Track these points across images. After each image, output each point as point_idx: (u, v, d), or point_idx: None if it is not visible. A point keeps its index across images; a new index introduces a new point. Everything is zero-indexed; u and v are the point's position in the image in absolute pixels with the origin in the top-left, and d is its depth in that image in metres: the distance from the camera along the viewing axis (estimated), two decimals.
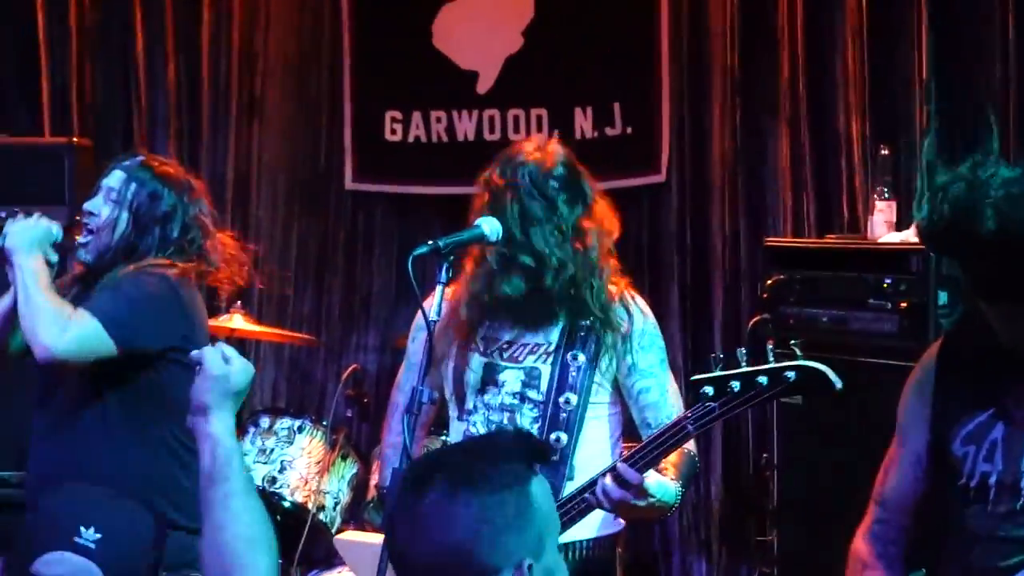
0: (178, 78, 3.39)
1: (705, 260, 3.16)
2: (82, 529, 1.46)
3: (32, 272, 2.16)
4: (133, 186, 2.23)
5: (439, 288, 1.91)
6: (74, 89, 3.34)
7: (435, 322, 1.94)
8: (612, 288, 2.11)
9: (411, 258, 1.92)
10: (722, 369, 1.85)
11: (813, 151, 2.97)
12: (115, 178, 2.24)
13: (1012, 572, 1.66)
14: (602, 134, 3.19)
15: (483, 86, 3.26)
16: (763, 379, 1.80)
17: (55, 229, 2.20)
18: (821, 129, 2.96)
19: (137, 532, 1.58)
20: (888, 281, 2.50)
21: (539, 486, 1.16)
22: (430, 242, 1.94)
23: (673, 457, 2.02)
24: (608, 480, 1.89)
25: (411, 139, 3.33)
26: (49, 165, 3.18)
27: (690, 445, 2.08)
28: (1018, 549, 1.67)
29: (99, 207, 2.21)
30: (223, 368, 1.31)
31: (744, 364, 1.82)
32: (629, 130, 3.17)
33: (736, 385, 1.81)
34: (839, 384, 1.80)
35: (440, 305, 1.92)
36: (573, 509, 1.98)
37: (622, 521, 2.22)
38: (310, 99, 3.46)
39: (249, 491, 1.28)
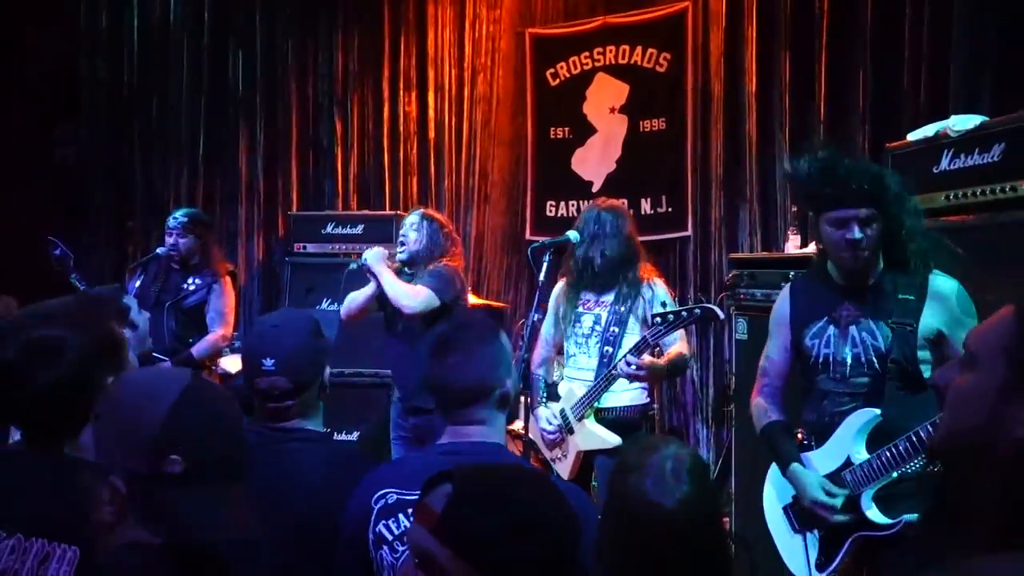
0: None
1: None
2: None
3: (388, 274, 3.44)
4: (424, 224, 3.60)
5: (544, 265, 3.01)
6: None
7: (544, 282, 3.03)
8: (642, 274, 3.17)
9: (530, 250, 3.12)
10: (667, 307, 2.95)
11: None
12: (412, 218, 3.63)
13: (847, 413, 2.22)
14: None
15: None
16: (684, 313, 2.89)
17: (387, 251, 3.53)
18: None
19: None
20: None
21: (505, 338, 1.65)
22: (539, 241, 3.14)
23: (672, 352, 3.12)
24: (622, 364, 2.97)
25: None
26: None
27: (684, 350, 3.17)
28: (850, 399, 2.24)
29: (408, 233, 3.58)
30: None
31: (679, 306, 3.02)
32: None
33: (671, 316, 2.90)
34: (721, 315, 2.94)
35: (546, 273, 2.99)
36: (609, 378, 3.03)
37: (646, 399, 3.21)
38: None
39: None
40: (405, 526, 1.49)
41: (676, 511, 1.27)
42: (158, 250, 4.36)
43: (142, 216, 6.06)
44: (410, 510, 1.43)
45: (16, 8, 5.08)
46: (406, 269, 3.63)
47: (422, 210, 3.72)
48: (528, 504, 1.05)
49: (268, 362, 1.73)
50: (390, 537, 1.52)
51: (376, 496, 1.56)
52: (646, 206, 5.48)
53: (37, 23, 5.18)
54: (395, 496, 1.54)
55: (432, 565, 1.02)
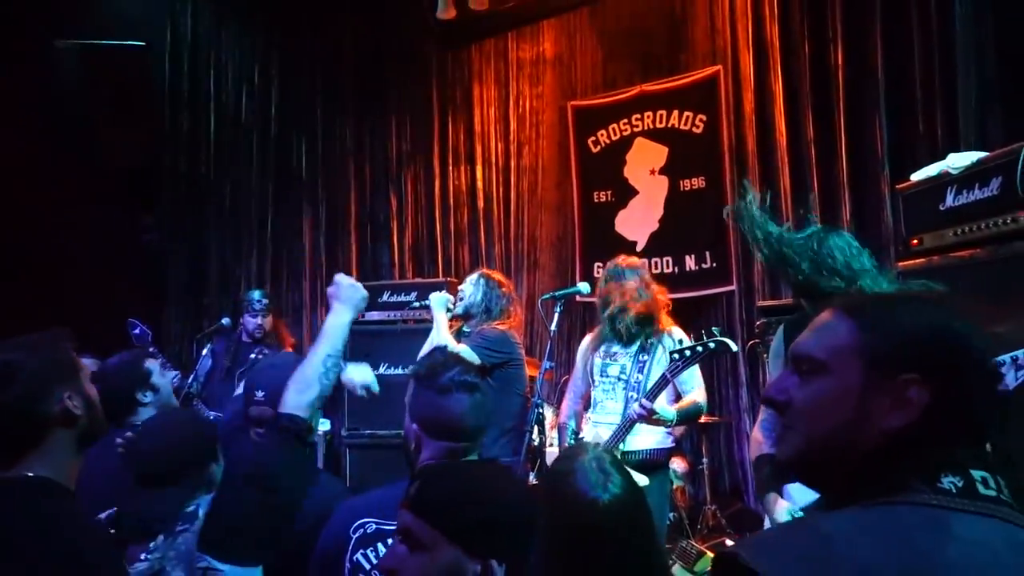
0: None
1: None
2: None
3: (442, 323, 3.57)
4: (481, 282, 3.69)
5: (556, 316, 3.22)
6: None
7: (556, 332, 3.21)
8: (662, 326, 3.29)
9: (540, 301, 3.55)
10: (683, 344, 3.04)
11: None
12: (472, 277, 3.73)
13: None
14: None
15: None
16: (699, 347, 2.93)
17: (450, 297, 3.61)
18: None
19: None
20: None
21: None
22: (551, 293, 3.38)
23: (686, 400, 3.20)
24: (636, 405, 3.05)
25: None
26: None
27: (699, 399, 3.21)
28: None
29: (465, 288, 3.71)
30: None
31: (693, 341, 3.01)
32: None
33: (688, 352, 2.98)
34: (735, 348, 2.95)
35: (558, 324, 3.22)
36: (628, 422, 3.11)
37: (671, 443, 3.31)
38: None
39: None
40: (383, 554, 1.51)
41: (611, 502, 1.41)
42: (223, 321, 4.71)
43: (216, 292, 6.50)
44: (389, 540, 1.49)
45: (107, 112, 5.69)
46: (463, 328, 3.75)
47: (483, 270, 3.85)
48: (481, 480, 1.25)
49: (260, 394, 2.00)
50: (367, 566, 1.54)
51: (355, 525, 1.59)
52: (691, 262, 5.67)
53: (125, 125, 5.78)
54: (374, 526, 1.57)
55: (408, 535, 1.21)
